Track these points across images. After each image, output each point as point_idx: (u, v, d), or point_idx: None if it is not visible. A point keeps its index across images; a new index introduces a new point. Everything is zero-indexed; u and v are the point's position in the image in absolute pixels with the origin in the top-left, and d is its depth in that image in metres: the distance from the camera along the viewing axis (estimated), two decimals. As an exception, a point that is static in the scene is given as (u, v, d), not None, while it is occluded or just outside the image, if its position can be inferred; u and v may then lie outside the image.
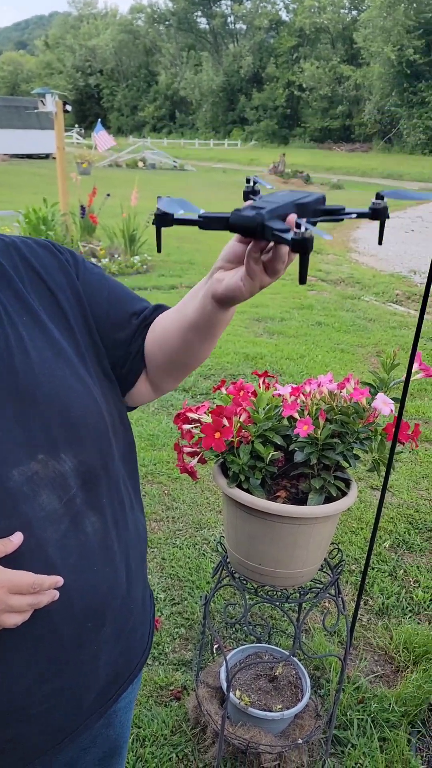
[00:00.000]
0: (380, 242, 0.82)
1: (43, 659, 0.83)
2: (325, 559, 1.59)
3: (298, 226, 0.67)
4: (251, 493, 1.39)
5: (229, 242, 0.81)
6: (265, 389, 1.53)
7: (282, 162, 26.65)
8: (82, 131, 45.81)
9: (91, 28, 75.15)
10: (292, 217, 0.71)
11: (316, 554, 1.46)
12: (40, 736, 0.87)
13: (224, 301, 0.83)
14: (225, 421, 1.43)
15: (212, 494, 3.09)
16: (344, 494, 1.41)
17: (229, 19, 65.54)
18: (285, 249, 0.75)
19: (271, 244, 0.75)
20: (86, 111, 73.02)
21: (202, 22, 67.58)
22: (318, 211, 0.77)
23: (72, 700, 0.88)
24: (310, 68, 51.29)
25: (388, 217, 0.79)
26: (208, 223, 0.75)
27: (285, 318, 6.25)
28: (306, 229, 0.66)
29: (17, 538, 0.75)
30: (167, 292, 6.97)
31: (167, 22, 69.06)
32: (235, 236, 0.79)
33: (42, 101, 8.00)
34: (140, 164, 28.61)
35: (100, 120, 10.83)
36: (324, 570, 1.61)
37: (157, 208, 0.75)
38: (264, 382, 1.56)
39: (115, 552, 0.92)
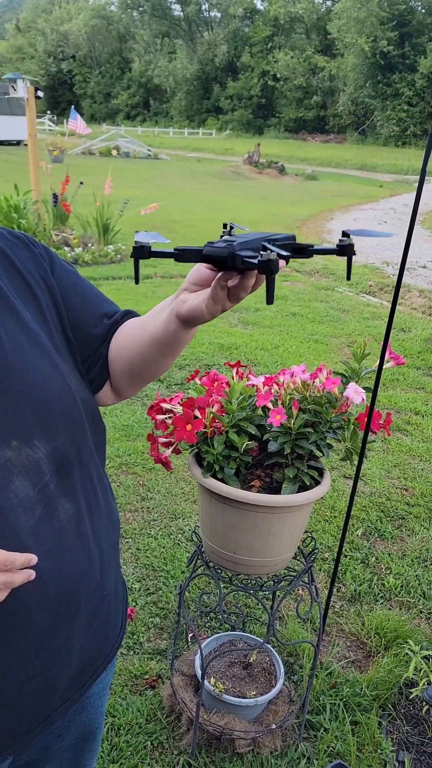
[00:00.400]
0: (348, 278, 0.88)
1: (17, 646, 0.83)
2: (298, 548, 1.61)
3: (264, 249, 0.73)
4: (226, 483, 1.40)
5: (196, 266, 0.87)
6: (239, 380, 1.54)
7: (257, 152, 26.60)
8: (55, 118, 45.08)
9: (64, 12, 73.76)
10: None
11: (290, 542, 1.48)
12: (13, 723, 0.87)
13: (187, 321, 0.88)
14: (197, 413, 1.44)
15: (187, 484, 3.09)
16: (317, 483, 1.43)
17: (203, 7, 65.01)
18: (250, 280, 0.80)
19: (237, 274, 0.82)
20: (58, 97, 71.83)
21: (177, 9, 66.89)
22: (287, 246, 0.83)
23: (45, 687, 0.89)
24: (284, 58, 51.16)
25: (354, 254, 0.84)
26: (182, 255, 0.80)
27: (260, 309, 6.26)
28: (271, 251, 0.72)
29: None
30: (141, 282, 6.92)
31: (141, 8, 68.18)
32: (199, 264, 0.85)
33: (13, 87, 7.88)
34: (114, 152, 28.27)
35: (72, 107, 10.68)
36: (298, 558, 1.63)
37: (135, 241, 0.80)
38: (238, 372, 1.57)
39: (88, 538, 0.93)
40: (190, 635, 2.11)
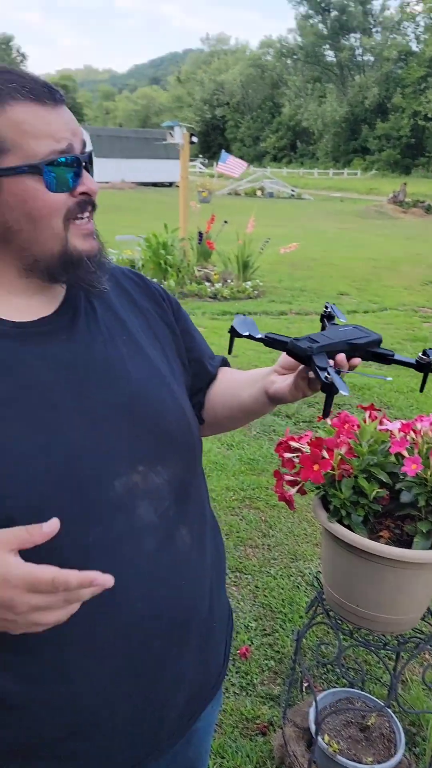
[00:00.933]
0: (422, 390, 0.96)
1: (131, 674, 0.84)
2: (428, 608, 1.50)
3: (347, 353, 0.89)
4: (352, 530, 1.34)
5: (285, 354, 0.97)
6: (371, 423, 1.48)
7: (403, 191, 26.06)
8: (206, 161, 47.51)
9: (222, 63, 78.21)
10: (341, 356, 0.89)
11: (419, 602, 1.38)
12: (124, 752, 0.87)
13: (273, 399, 1.00)
14: (324, 453, 1.40)
15: (310, 525, 3.02)
16: (454, 541, 1.33)
17: (357, 52, 65.71)
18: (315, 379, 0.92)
19: None
20: (210, 141, 75.73)
21: (330, 55, 68.21)
22: (369, 352, 0.92)
23: (155, 718, 0.88)
24: (438, 97, 50.07)
25: (431, 371, 0.93)
26: (270, 343, 0.95)
27: (396, 349, 6.04)
28: (325, 376, 0.85)
29: (49, 527, 0.66)
30: (276, 318, 6.99)
31: (295, 56, 70.40)
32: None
33: (170, 133, 8.41)
34: (258, 193, 29.14)
35: (223, 150, 11.18)
36: (426, 619, 1.51)
37: (233, 325, 0.98)
38: (371, 416, 1.51)
39: (200, 567, 0.94)
40: (305, 685, 2.03)
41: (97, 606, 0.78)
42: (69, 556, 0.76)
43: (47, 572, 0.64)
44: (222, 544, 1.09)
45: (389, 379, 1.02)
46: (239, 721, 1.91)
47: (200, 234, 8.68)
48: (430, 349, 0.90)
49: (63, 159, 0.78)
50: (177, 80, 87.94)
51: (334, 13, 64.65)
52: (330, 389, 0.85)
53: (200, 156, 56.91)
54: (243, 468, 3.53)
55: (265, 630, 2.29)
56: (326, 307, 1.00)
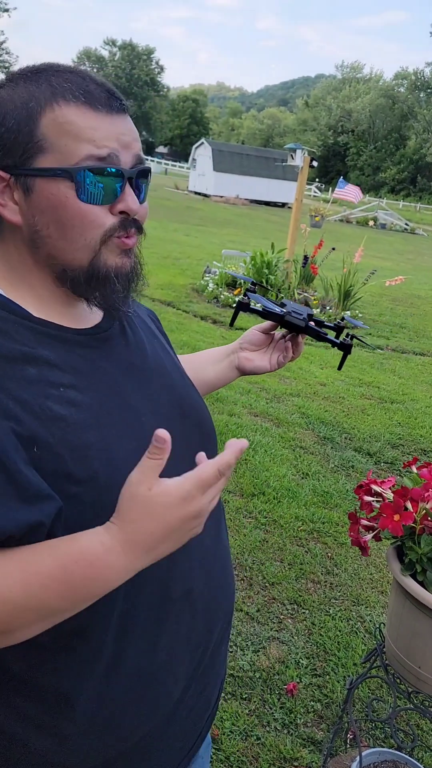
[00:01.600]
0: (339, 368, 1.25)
1: (198, 657, 0.88)
2: None
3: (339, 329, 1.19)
4: (426, 588, 1.28)
5: (251, 330, 1.15)
6: (464, 480, 1.41)
7: None
8: (322, 186, 47.41)
9: (352, 91, 78.01)
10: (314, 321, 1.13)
11: None
12: (178, 740, 0.90)
13: (248, 374, 1.15)
14: (409, 504, 1.34)
15: (378, 571, 2.91)
16: None
17: None
18: (302, 343, 1.16)
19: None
20: (329, 167, 75.56)
21: (465, 91, 66.40)
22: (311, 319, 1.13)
23: (206, 703, 0.94)
24: None
25: (350, 353, 1.17)
26: (266, 315, 1.11)
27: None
28: (349, 337, 1.16)
29: (161, 436, 0.66)
30: (371, 353, 6.83)
31: (429, 90, 69.04)
32: (257, 326, 1.16)
33: (292, 156, 8.47)
34: (371, 223, 28.73)
35: (342, 177, 11.13)
36: None
37: (244, 297, 1.14)
38: (464, 471, 1.44)
39: (229, 562, 1.01)
40: (350, 736, 1.95)
41: (182, 603, 0.84)
42: (162, 560, 0.80)
43: (209, 468, 0.68)
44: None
45: (365, 327, 1.34)
46: (277, 759, 1.86)
47: (306, 257, 8.65)
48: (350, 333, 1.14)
49: (99, 167, 0.73)
50: (305, 104, 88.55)
51: None
52: (348, 350, 1.14)
53: (317, 180, 56.89)
54: (315, 499, 3.46)
55: (315, 670, 2.22)
56: (246, 296, 1.16)
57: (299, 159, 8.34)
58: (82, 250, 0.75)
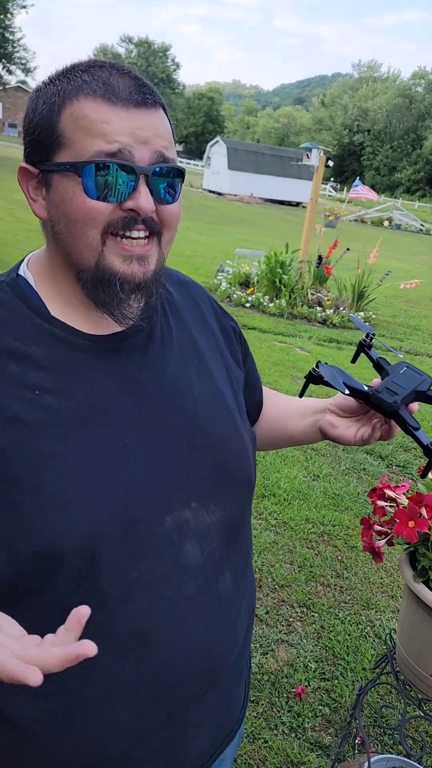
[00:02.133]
0: None
1: (155, 712, 0.80)
2: None
3: (417, 427, 0.90)
4: (439, 596, 1.26)
5: (344, 396, 0.94)
6: None
7: None
8: (337, 185, 47.20)
9: (369, 90, 77.59)
10: (415, 406, 0.93)
11: None
12: None
13: (331, 439, 0.99)
14: (423, 512, 1.33)
15: (388, 575, 2.89)
16: None
17: None
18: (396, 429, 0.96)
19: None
20: (345, 166, 75.23)
21: None
22: (424, 395, 0.94)
23: (176, 757, 0.85)
24: None
25: None
26: (352, 394, 0.92)
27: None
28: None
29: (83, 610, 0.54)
30: (383, 353, 6.78)
31: (446, 89, 68.56)
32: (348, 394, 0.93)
33: (307, 155, 8.43)
34: (386, 223, 28.56)
35: (358, 178, 11.08)
36: None
37: (314, 369, 0.93)
38: None
39: (237, 612, 0.89)
40: (358, 742, 1.94)
41: (129, 643, 0.76)
42: (111, 592, 0.73)
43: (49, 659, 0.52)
44: (253, 581, 1.02)
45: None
46: (284, 763, 1.85)
47: (320, 258, 8.62)
48: None
49: (106, 162, 0.69)
50: (321, 103, 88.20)
51: None
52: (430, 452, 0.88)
53: (332, 180, 56.66)
54: (326, 502, 3.44)
55: (324, 674, 2.21)
56: (368, 337, 0.99)
57: (315, 158, 8.30)
58: (87, 249, 0.73)
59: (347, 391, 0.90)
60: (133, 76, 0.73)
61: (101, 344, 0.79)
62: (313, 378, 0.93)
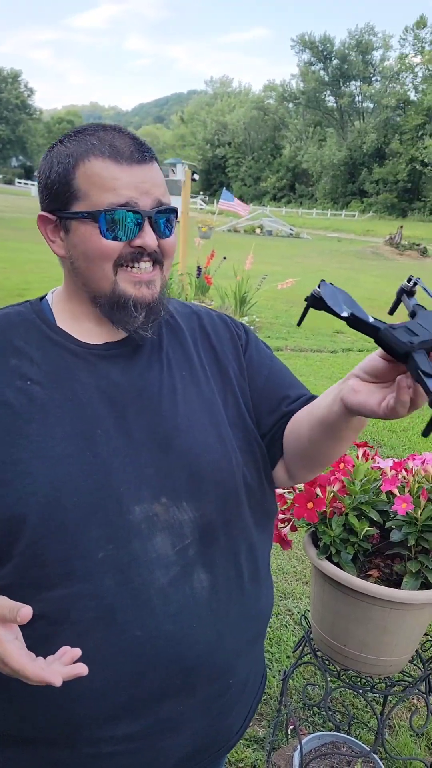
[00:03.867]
0: None
1: (124, 696, 0.83)
2: (416, 651, 1.49)
3: (430, 373, 0.64)
4: (341, 568, 1.33)
5: (372, 355, 0.77)
6: (364, 461, 1.49)
7: (399, 234, 26.57)
8: (206, 198, 48.33)
9: (224, 105, 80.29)
10: None
11: (407, 643, 1.37)
12: None
13: (353, 411, 0.79)
14: (318, 491, 1.40)
15: (300, 563, 2.99)
16: (443, 582, 1.32)
17: (357, 99, 67.62)
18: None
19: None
20: (212, 179, 77.25)
21: (330, 101, 70.09)
22: None
23: (149, 755, 0.87)
24: (434, 144, 51.38)
25: None
26: (356, 323, 0.73)
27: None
28: None
29: (23, 615, 0.69)
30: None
31: (297, 101, 72.39)
32: (378, 350, 0.75)
33: (173, 170, 8.59)
34: (257, 231, 29.62)
35: (225, 188, 11.42)
36: (415, 662, 1.50)
37: (316, 290, 0.74)
38: (364, 453, 1.52)
39: (220, 617, 0.90)
40: (291, 727, 1.99)
41: (95, 620, 0.82)
42: (78, 568, 0.81)
43: (29, 670, 0.68)
44: (265, 600, 1.02)
45: None
46: (222, 764, 1.86)
47: (199, 269, 8.78)
48: None
49: (117, 211, 0.85)
50: (180, 120, 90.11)
51: (335, 62, 66.83)
52: None
53: (201, 193, 57.95)
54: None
55: (251, 669, 2.25)
56: (409, 280, 0.79)
57: (180, 173, 8.47)
58: (103, 279, 0.88)
59: (345, 314, 0.72)
60: (132, 137, 0.89)
61: (91, 350, 0.93)
62: (315, 301, 0.75)
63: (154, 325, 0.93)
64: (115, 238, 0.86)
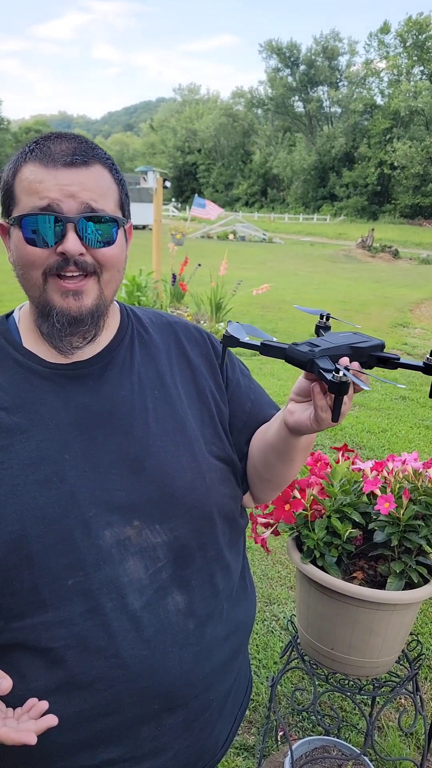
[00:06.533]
0: (431, 396, 0.80)
1: (101, 724, 0.82)
2: (403, 651, 1.49)
3: (337, 370, 0.73)
4: (326, 571, 1.33)
5: (300, 377, 0.85)
6: (344, 461, 1.50)
7: (370, 237, 26.89)
8: (179, 205, 48.40)
9: (193, 112, 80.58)
10: (345, 360, 0.77)
11: (393, 644, 1.37)
12: None
13: (294, 431, 0.87)
14: (296, 493, 1.40)
15: (284, 568, 2.99)
16: (426, 581, 1.33)
17: (324, 104, 68.38)
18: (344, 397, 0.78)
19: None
20: (183, 186, 77.38)
21: (299, 106, 70.75)
22: (372, 357, 0.81)
23: None
24: (402, 148, 52.07)
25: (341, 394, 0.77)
26: (266, 350, 0.81)
27: (365, 391, 6.13)
28: (344, 374, 0.72)
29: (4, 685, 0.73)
30: (248, 359, 7.05)
31: (265, 107, 72.97)
32: (304, 372, 0.81)
33: (144, 178, 8.60)
34: (231, 236, 29.71)
35: (196, 195, 11.44)
36: (401, 662, 1.50)
37: (226, 331, 0.83)
38: (344, 456, 1.53)
39: (197, 638, 0.89)
40: (281, 734, 1.98)
41: (68, 649, 0.80)
42: (47, 597, 0.79)
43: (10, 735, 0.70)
44: (245, 613, 1.02)
45: (403, 386, 0.98)
46: (213, 775, 1.84)
47: (174, 276, 8.77)
48: None
49: (36, 216, 0.81)
50: (150, 127, 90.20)
51: (302, 67, 67.51)
52: (339, 389, 0.73)
53: (173, 200, 58.03)
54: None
55: (239, 677, 2.23)
56: (322, 317, 0.89)
57: (152, 180, 8.49)
58: (33, 288, 0.85)
59: (246, 338, 0.80)
60: (78, 141, 0.85)
61: (58, 371, 0.89)
62: (229, 340, 0.82)
63: (86, 341, 0.88)
64: (36, 244, 0.82)
